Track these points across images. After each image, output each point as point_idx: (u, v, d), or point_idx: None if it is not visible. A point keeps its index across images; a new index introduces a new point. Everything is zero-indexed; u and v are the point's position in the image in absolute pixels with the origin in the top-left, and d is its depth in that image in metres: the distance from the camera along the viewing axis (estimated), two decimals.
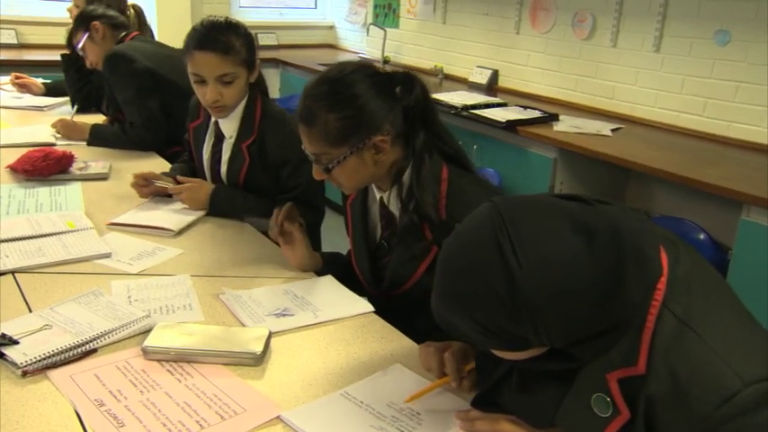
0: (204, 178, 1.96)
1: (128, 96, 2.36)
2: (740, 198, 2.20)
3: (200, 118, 1.96)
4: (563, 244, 0.74)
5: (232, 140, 1.86)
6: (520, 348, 0.80)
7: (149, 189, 1.88)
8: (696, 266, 0.84)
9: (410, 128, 1.29)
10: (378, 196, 1.39)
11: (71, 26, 2.54)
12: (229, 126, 1.86)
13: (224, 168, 1.89)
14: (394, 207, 1.36)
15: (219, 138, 1.90)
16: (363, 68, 1.27)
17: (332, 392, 1.07)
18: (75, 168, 2.08)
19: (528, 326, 0.75)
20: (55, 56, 3.68)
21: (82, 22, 2.44)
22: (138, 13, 2.92)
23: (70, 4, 2.87)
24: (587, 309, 0.75)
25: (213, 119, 1.88)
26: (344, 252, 1.62)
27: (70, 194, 1.91)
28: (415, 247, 1.30)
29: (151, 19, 4.24)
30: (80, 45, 2.46)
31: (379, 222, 1.42)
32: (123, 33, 2.48)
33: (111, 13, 2.49)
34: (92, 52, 2.46)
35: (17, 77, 3.08)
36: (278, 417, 1.00)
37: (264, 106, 1.86)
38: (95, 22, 2.42)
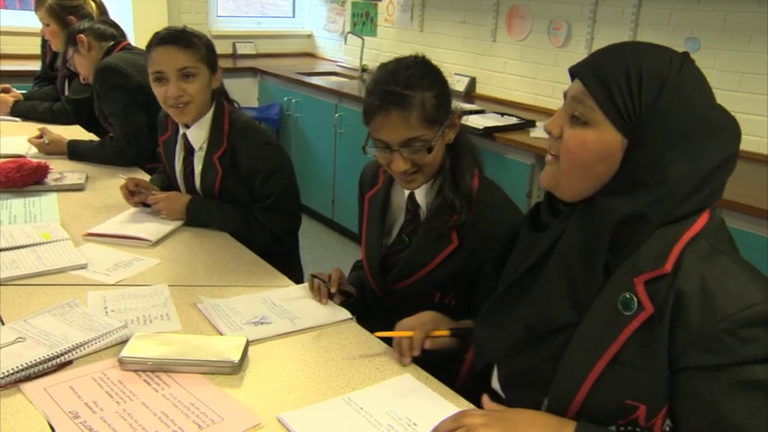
0: (179, 191, 1.95)
1: (116, 109, 2.34)
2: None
3: (169, 131, 1.94)
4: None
5: (203, 153, 1.84)
6: (620, 118, 0.91)
7: (139, 197, 1.86)
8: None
9: None
10: (407, 191, 1.42)
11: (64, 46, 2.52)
12: (198, 138, 1.83)
13: (198, 180, 1.87)
14: (425, 199, 1.39)
15: (189, 150, 1.87)
16: (421, 57, 1.35)
17: (314, 400, 1.07)
18: (50, 179, 2.06)
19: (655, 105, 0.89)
20: (29, 66, 3.63)
21: (69, 38, 2.44)
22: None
23: (41, 27, 2.84)
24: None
25: (181, 131, 1.85)
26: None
27: (45, 205, 1.89)
28: (443, 228, 1.35)
29: (128, 29, 4.23)
30: (69, 61, 2.46)
31: (401, 217, 1.45)
32: (111, 44, 2.46)
33: (97, 25, 2.48)
34: (81, 65, 2.45)
35: (3, 90, 3.03)
36: (276, 417, 1.02)
37: (232, 115, 1.84)
38: (80, 35, 2.41)
